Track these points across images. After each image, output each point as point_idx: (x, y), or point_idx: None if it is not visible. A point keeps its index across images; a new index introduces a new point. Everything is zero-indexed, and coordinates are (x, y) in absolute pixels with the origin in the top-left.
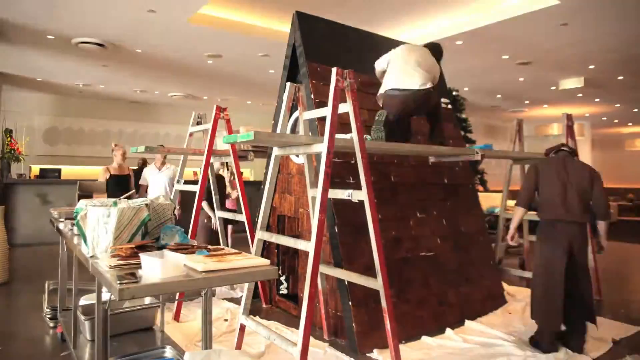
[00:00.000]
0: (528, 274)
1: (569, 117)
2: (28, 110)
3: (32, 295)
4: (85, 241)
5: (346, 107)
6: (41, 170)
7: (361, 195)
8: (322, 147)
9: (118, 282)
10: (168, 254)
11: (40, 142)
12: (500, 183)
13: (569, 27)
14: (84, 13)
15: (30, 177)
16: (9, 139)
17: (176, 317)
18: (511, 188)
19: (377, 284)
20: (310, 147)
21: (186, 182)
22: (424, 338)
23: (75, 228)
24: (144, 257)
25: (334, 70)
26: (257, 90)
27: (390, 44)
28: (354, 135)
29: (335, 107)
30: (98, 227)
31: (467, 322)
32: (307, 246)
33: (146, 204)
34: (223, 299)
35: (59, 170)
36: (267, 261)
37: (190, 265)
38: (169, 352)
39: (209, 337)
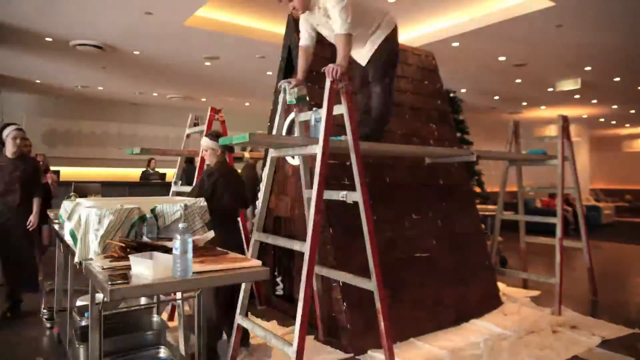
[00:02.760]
0: (524, 275)
1: (565, 119)
2: (27, 112)
3: (29, 296)
4: (75, 243)
5: (341, 109)
6: None
7: (356, 196)
8: (317, 149)
9: (109, 283)
10: (159, 255)
11: (39, 144)
12: (496, 184)
13: (564, 29)
14: (81, 15)
15: None
16: None
17: (171, 318)
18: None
19: (371, 284)
20: (305, 148)
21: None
22: (419, 339)
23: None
24: (134, 259)
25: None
26: (255, 91)
27: None
28: (348, 136)
29: (330, 109)
30: (90, 228)
31: (462, 323)
32: (303, 247)
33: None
34: None
35: (57, 172)
36: (258, 262)
37: None
38: (163, 352)
39: (203, 337)
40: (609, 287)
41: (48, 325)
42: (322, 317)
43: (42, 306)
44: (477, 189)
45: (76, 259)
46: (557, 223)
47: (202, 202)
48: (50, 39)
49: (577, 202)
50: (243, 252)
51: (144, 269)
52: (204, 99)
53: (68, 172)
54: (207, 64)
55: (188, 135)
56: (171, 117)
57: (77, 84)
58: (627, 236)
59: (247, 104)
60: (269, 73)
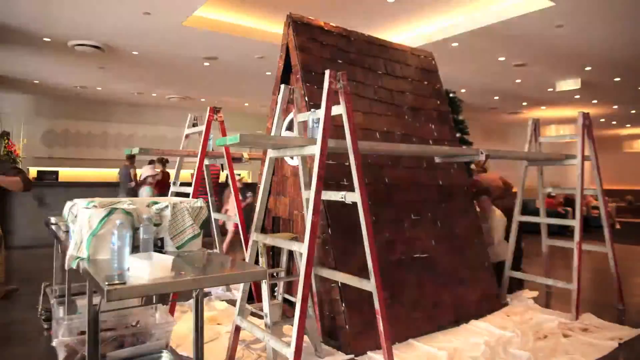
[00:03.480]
0: (541, 279)
1: (586, 116)
2: (25, 113)
3: (28, 296)
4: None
5: (339, 109)
6: (39, 172)
7: (355, 197)
8: (315, 149)
9: (106, 283)
10: (156, 255)
11: (37, 145)
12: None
13: (565, 29)
14: (80, 15)
15: None
16: (6, 141)
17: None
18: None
19: (370, 285)
20: (303, 149)
21: (183, 184)
22: (418, 340)
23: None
24: (131, 259)
25: (327, 72)
26: (254, 92)
27: (386, 46)
28: (347, 137)
29: (328, 109)
30: (88, 230)
31: (461, 324)
32: (300, 248)
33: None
34: (222, 300)
35: (56, 173)
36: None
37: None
38: (165, 357)
39: (201, 338)
40: (612, 288)
41: (45, 326)
42: (320, 318)
43: (39, 307)
44: None
45: (76, 253)
46: (575, 225)
47: (196, 202)
48: (48, 39)
49: (601, 203)
50: None
51: (141, 269)
52: (203, 99)
53: (67, 173)
54: (206, 64)
55: (187, 136)
56: (170, 117)
57: (75, 85)
58: (627, 237)
59: (246, 104)
60: (268, 73)
